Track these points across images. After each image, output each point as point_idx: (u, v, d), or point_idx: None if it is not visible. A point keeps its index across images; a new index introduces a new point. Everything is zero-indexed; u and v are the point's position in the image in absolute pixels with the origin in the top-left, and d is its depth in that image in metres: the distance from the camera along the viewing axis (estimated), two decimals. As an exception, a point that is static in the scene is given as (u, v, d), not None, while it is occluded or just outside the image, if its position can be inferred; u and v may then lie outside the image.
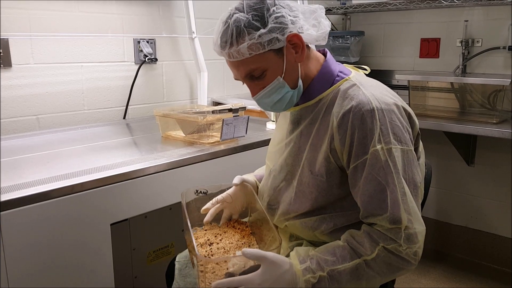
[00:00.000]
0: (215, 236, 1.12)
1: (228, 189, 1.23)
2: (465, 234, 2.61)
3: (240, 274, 0.91)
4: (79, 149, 1.57)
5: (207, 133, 1.68)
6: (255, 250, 0.90)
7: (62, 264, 1.20)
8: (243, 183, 1.20)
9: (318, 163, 1.02)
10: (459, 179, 2.59)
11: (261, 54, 0.97)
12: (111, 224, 1.29)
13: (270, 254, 0.91)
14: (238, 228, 1.17)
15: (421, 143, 1.07)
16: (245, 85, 1.06)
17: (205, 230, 1.16)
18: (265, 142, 1.69)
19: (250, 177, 1.27)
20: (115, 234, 1.32)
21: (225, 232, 1.15)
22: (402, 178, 0.93)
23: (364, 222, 0.97)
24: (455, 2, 2.30)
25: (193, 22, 2.30)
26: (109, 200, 1.28)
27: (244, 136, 1.72)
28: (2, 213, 1.07)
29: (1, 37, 1.73)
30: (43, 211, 1.14)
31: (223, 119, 1.61)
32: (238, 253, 0.98)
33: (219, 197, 1.20)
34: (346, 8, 2.71)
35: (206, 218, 1.18)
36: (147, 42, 2.21)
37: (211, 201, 1.20)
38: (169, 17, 2.31)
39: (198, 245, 1.07)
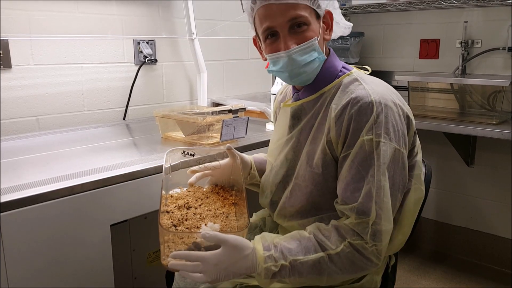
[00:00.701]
0: (196, 200, 1.10)
1: (216, 155, 1.23)
2: (465, 235, 2.61)
3: (206, 248, 0.90)
4: (79, 150, 1.57)
5: (207, 134, 1.68)
6: (215, 233, 0.89)
7: (61, 265, 1.20)
8: (234, 154, 1.18)
9: (316, 156, 1.03)
10: (459, 180, 2.59)
11: (309, 8, 1.00)
12: (111, 225, 1.29)
13: (232, 237, 0.89)
14: (222, 196, 1.15)
15: (418, 140, 1.07)
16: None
17: (188, 191, 1.16)
18: (265, 143, 1.69)
19: (248, 157, 1.27)
20: (115, 235, 1.32)
21: (207, 198, 1.13)
22: (383, 172, 0.93)
23: (337, 208, 0.98)
24: (455, 3, 2.30)
25: (193, 23, 2.30)
26: (109, 201, 1.28)
27: (244, 137, 1.71)
28: (2, 214, 1.07)
29: (1, 38, 1.73)
30: (43, 212, 1.14)
31: (222, 120, 1.61)
32: (202, 230, 0.95)
33: (209, 164, 1.20)
34: (346, 9, 2.71)
35: (191, 180, 1.18)
36: (147, 43, 2.21)
37: (199, 165, 1.20)
38: (169, 18, 2.31)
39: (176, 206, 1.06)
